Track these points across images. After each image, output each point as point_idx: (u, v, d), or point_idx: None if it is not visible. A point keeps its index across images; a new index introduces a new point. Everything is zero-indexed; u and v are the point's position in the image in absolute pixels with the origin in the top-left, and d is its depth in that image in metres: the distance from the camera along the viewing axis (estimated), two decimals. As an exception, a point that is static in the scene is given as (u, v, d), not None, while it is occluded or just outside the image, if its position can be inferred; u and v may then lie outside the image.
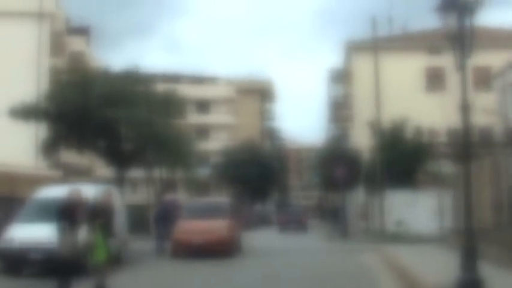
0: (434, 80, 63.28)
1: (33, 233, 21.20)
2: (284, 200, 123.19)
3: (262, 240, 44.93)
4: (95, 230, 18.46)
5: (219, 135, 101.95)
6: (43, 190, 24.76)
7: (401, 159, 43.20)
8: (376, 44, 43.62)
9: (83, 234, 18.95)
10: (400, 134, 44.99)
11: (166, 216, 30.66)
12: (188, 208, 31.36)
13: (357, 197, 53.81)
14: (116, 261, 23.35)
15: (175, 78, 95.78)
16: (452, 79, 61.59)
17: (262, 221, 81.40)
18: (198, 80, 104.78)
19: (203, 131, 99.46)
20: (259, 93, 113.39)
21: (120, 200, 26.84)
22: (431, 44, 62.81)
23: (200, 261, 26.70)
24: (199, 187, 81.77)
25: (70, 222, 17.68)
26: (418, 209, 41.18)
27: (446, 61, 61.22)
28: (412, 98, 58.98)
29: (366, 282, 19.90)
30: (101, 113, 39.62)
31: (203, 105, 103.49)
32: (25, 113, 39.94)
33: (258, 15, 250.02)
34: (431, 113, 50.06)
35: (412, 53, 62.99)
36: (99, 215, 18.78)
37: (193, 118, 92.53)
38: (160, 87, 45.00)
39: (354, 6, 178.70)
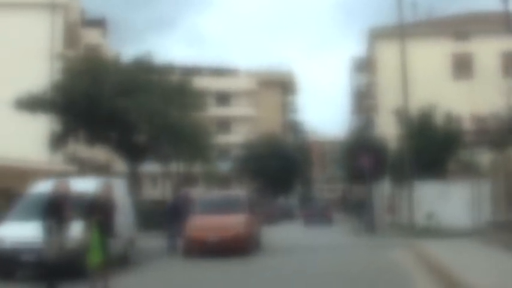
0: (462, 66, 61.25)
1: (26, 232, 18.70)
2: (307, 194, 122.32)
3: (285, 235, 42.64)
4: (92, 227, 16.29)
5: (240, 128, 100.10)
6: (39, 184, 22.12)
7: (431, 148, 40.69)
8: (403, 29, 41.02)
9: (77, 232, 16.71)
10: (429, 121, 42.43)
11: (177, 212, 28.12)
12: (202, 202, 28.69)
13: (383, 189, 51.43)
14: (122, 262, 21.20)
15: (195, 71, 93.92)
16: (481, 65, 60.53)
17: (286, 215, 79.56)
18: (219, 72, 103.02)
19: (224, 124, 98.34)
20: (280, 86, 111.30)
21: (125, 194, 24.36)
22: (458, 29, 60.81)
23: (215, 260, 24.50)
24: (220, 181, 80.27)
25: (56, 219, 15.46)
26: (450, 201, 38.78)
27: (474, 46, 60.99)
28: (438, 86, 57.05)
29: (400, 282, 17.55)
30: (111, 103, 37.83)
31: (223, 98, 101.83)
32: (30, 104, 37.87)
33: (280, 8, 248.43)
34: (458, 101, 47.68)
35: (438, 39, 61.27)
36: (96, 211, 16.61)
37: (214, 111, 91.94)
38: (178, 78, 42.65)
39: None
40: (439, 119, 42.60)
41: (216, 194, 34.22)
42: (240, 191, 36.41)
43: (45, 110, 39.41)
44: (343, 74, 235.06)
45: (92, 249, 16.17)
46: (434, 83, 57.46)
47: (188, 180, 62.90)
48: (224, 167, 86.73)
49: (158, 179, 72.23)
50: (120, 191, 22.59)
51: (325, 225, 60.21)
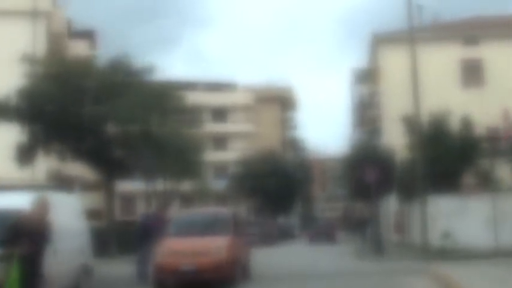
0: (471, 73, 57.05)
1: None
2: (308, 213, 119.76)
3: (283, 258, 37.95)
4: (12, 264, 11.67)
5: (237, 144, 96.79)
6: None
7: (446, 157, 35.98)
8: (412, 32, 36.80)
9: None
10: (443, 127, 37.78)
11: (148, 234, 23.38)
12: (176, 222, 23.31)
13: (389, 206, 46.88)
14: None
15: (191, 85, 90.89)
16: (492, 72, 56.45)
17: (286, 235, 76.01)
18: (215, 87, 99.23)
19: (220, 140, 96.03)
20: (279, 101, 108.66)
21: (75, 213, 19.37)
22: (467, 34, 56.83)
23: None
24: (215, 200, 76.76)
25: None
26: (468, 218, 34.12)
27: (484, 52, 56.99)
28: (447, 93, 53.02)
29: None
30: (84, 110, 33.43)
31: (220, 113, 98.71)
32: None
33: (281, 25, 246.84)
34: (468, 109, 43.11)
35: (445, 44, 57.44)
36: (21, 240, 11.98)
37: (210, 126, 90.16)
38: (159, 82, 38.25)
39: (376, 17, 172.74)
40: (454, 125, 38.02)
41: (194, 212, 28.94)
42: (223, 209, 31.16)
43: (9, 119, 34.94)
44: (344, 90, 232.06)
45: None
46: (443, 91, 53.43)
47: (173, 199, 58.33)
48: (220, 184, 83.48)
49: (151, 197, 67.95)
50: (66, 209, 17.60)
51: (329, 244, 60.02)
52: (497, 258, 28.09)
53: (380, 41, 59.24)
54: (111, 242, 36.82)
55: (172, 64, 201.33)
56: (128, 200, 74.82)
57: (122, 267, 26.39)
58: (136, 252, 24.24)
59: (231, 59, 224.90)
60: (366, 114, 70.19)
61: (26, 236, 12.17)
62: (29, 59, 36.03)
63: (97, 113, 33.91)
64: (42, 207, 13.19)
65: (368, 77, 69.96)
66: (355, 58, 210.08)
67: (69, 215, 17.90)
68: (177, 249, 20.90)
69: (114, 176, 37.83)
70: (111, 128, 35.65)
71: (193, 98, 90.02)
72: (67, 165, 47.88)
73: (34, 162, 37.20)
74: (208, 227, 22.30)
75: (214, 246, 20.83)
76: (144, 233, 23.74)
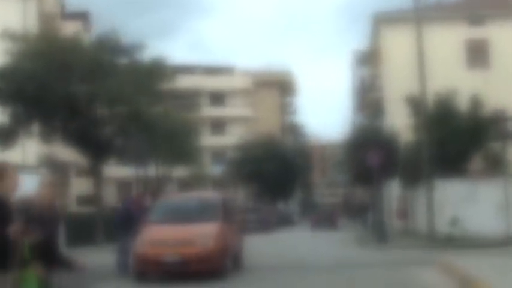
0: (477, 53, 55.15)
1: None
2: (308, 199, 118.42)
3: (282, 246, 36.00)
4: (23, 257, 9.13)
5: (236, 129, 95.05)
6: None
7: (454, 139, 33.88)
8: (418, 10, 34.85)
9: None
10: (450, 107, 35.64)
11: (129, 221, 21.18)
12: (159, 208, 21.21)
13: (391, 191, 44.80)
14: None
15: (189, 69, 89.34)
16: (498, 52, 54.41)
17: (285, 221, 74.37)
18: (213, 70, 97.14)
19: (218, 125, 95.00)
20: (278, 86, 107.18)
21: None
22: (473, 13, 54.67)
23: (176, 284, 18.01)
24: (213, 185, 75.21)
25: None
26: (477, 204, 32.04)
27: (490, 32, 54.93)
28: (451, 75, 50.77)
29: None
30: (69, 90, 31.41)
31: (218, 97, 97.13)
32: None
33: (282, 13, 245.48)
34: (473, 91, 41.03)
35: (450, 24, 55.34)
36: (32, 228, 9.43)
37: (208, 111, 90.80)
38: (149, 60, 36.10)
39: (378, 3, 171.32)
40: (461, 105, 35.91)
41: (180, 196, 26.64)
42: (212, 193, 28.94)
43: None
44: (345, 74, 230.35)
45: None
46: (447, 72, 51.24)
47: (167, 184, 56.31)
48: (218, 170, 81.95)
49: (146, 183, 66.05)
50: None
51: (331, 230, 59.78)
52: (509, 246, 26.33)
53: (382, 21, 57.27)
54: (98, 229, 34.82)
55: (173, 52, 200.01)
56: (124, 185, 72.83)
57: (106, 257, 24.28)
58: (116, 240, 22.10)
59: (232, 46, 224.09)
60: (368, 96, 68.20)
61: (37, 222, 9.84)
62: (9, 36, 33.92)
63: (84, 92, 31.90)
64: (51, 189, 10.88)
65: (369, 58, 68.31)
66: (357, 42, 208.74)
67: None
68: (159, 238, 18.84)
69: (102, 159, 35.76)
70: (99, 108, 33.46)
71: (191, 82, 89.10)
72: (59, 149, 45.91)
73: (16, 145, 35.01)
74: (195, 213, 20.16)
75: (201, 235, 18.71)
76: (125, 220, 21.54)
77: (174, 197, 26.37)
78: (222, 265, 18.89)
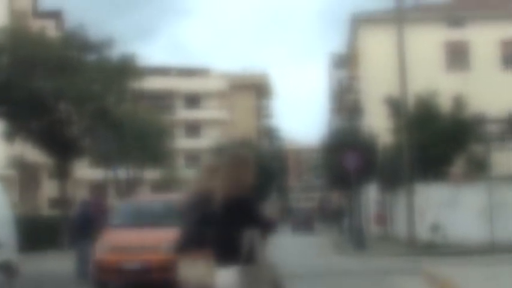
0: (456, 56, 54.17)
1: None
2: (284, 203, 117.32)
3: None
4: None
5: (211, 131, 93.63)
6: None
7: (436, 142, 32.65)
8: (399, 10, 33.93)
9: None
10: (432, 109, 34.46)
11: (88, 225, 19.65)
12: (122, 211, 19.67)
13: (368, 195, 43.62)
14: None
15: (164, 71, 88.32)
16: (478, 55, 53.45)
17: (259, 226, 73.30)
18: (189, 72, 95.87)
19: (193, 127, 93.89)
20: (254, 89, 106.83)
21: None
22: (452, 14, 53.75)
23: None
24: (187, 188, 73.52)
25: None
26: (459, 209, 30.73)
27: (470, 34, 53.95)
28: (430, 77, 49.29)
29: None
30: (33, 85, 29.98)
31: (193, 100, 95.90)
32: None
33: (261, 16, 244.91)
34: (452, 93, 40.02)
35: (429, 25, 54.06)
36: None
37: (182, 113, 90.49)
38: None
39: (358, 8, 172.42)
40: (444, 106, 34.75)
41: (143, 199, 25.03)
42: (178, 195, 27.19)
43: None
44: (322, 78, 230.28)
45: None
46: (426, 74, 49.75)
47: (138, 186, 54.83)
48: (192, 173, 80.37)
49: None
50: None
51: (307, 234, 61.11)
52: (493, 254, 25.61)
53: (360, 22, 56.23)
54: (63, 233, 33.26)
55: (151, 53, 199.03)
56: (98, 188, 71.46)
57: (68, 263, 22.78)
58: (75, 246, 20.59)
59: (210, 48, 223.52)
60: (345, 99, 67.25)
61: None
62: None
63: (49, 89, 30.46)
64: (209, 175, 9.32)
65: (347, 61, 67.43)
66: (335, 45, 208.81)
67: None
68: (120, 243, 17.29)
69: (69, 159, 34.18)
70: (65, 106, 31.97)
71: (166, 84, 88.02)
72: (30, 149, 44.38)
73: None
74: (160, 217, 18.53)
75: (166, 241, 17.12)
76: (83, 224, 20.00)
77: (138, 199, 24.74)
78: (188, 273, 17.41)
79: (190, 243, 8.15)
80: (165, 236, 17.49)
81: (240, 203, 7.41)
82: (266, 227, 8.04)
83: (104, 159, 39.52)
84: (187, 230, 8.32)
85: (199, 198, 8.57)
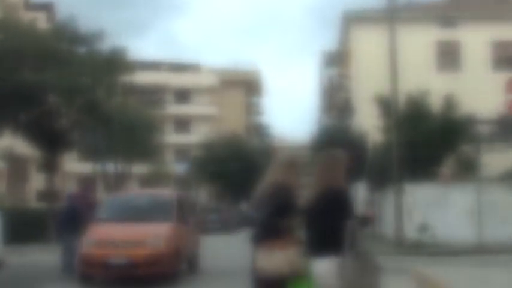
0: (448, 55, 54.25)
1: None
2: None
3: (243, 249, 34.35)
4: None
5: (200, 127, 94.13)
6: None
7: (426, 142, 32.58)
8: (392, 9, 33.86)
9: None
10: (422, 109, 34.39)
11: (74, 219, 19.51)
12: (108, 205, 19.64)
13: (357, 194, 43.48)
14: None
15: (154, 65, 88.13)
16: (469, 55, 53.44)
17: (247, 222, 72.92)
18: (179, 67, 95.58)
19: (183, 122, 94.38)
20: (244, 85, 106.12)
21: None
22: (444, 14, 53.76)
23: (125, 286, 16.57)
24: (176, 184, 73.91)
25: None
26: (448, 210, 30.68)
27: (461, 34, 53.92)
28: (421, 77, 49.32)
29: None
30: (22, 77, 29.75)
31: (183, 95, 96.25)
32: None
33: (253, 12, 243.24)
34: (443, 93, 39.95)
35: (420, 25, 54.06)
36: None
37: (172, 108, 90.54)
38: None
39: (350, 6, 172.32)
40: (435, 106, 34.69)
41: (131, 193, 24.95)
42: (165, 191, 27.04)
43: None
44: (313, 76, 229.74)
45: None
46: (417, 74, 49.82)
47: (126, 181, 54.60)
48: (181, 168, 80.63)
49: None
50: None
51: None
52: (481, 255, 25.43)
53: (351, 21, 56.22)
54: (50, 226, 33.07)
55: (143, 48, 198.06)
56: (88, 181, 71.36)
57: (54, 257, 22.64)
58: (61, 240, 20.44)
59: (201, 44, 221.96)
60: (336, 97, 67.14)
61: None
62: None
63: (37, 81, 30.19)
64: (287, 169, 9.18)
65: (338, 59, 67.12)
66: (326, 42, 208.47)
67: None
68: (106, 237, 17.20)
69: (57, 152, 33.99)
70: (54, 98, 31.72)
71: (156, 78, 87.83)
72: (19, 142, 44.11)
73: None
74: (146, 212, 18.50)
75: (152, 235, 17.11)
76: (69, 217, 19.84)
77: (125, 193, 24.61)
78: (174, 268, 17.33)
79: (266, 233, 8.10)
80: (151, 231, 17.47)
81: (337, 194, 7.87)
82: (364, 219, 8.47)
83: (92, 153, 39.33)
84: (263, 220, 8.27)
85: (273, 189, 8.50)
